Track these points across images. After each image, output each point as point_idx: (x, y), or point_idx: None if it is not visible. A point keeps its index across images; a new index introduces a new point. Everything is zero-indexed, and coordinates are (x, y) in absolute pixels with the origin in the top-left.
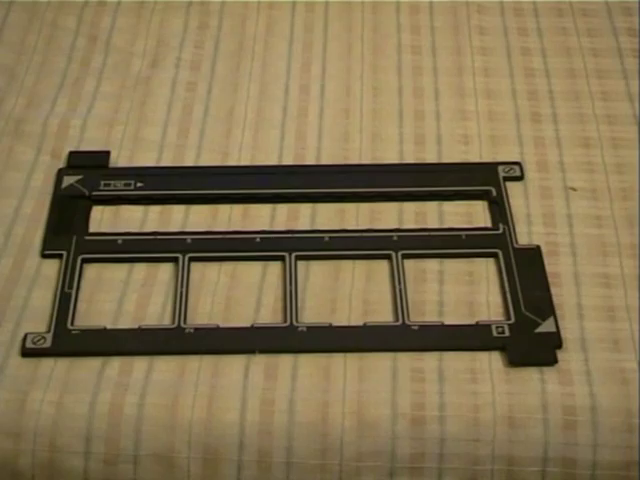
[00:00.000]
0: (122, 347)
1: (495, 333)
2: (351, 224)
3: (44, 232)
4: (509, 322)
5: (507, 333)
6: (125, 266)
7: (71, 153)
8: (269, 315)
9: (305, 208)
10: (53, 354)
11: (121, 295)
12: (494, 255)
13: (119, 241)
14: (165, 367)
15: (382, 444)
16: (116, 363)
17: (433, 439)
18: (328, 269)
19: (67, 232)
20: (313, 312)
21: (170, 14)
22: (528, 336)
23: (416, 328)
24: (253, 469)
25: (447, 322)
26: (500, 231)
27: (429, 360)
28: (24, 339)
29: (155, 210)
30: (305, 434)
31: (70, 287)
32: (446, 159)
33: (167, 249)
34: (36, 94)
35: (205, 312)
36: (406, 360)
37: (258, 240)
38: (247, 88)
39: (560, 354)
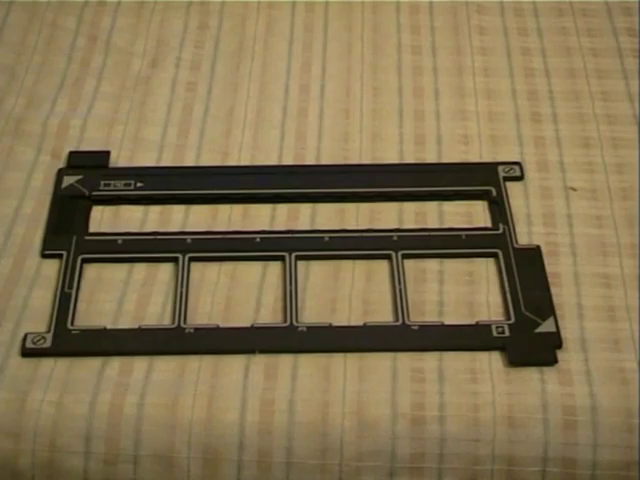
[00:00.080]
0: (122, 347)
1: (495, 333)
2: (351, 224)
3: (44, 232)
4: (509, 322)
5: (507, 333)
6: (125, 266)
7: (71, 153)
8: (269, 315)
9: (305, 208)
10: (53, 354)
11: (121, 295)
12: (494, 255)
13: (119, 241)
14: (165, 367)
15: (382, 444)
16: (116, 363)
17: (433, 439)
18: (328, 269)
19: (67, 232)
20: (313, 312)
21: (170, 14)
22: (528, 336)
23: (416, 328)
24: (253, 469)
25: (447, 322)
26: (500, 231)
27: (429, 360)
28: (24, 339)
29: (155, 210)
30: (305, 434)
31: (70, 287)
32: (446, 159)
33: (167, 249)
34: (36, 94)
35: (205, 312)
36: (406, 360)
37: (258, 240)
38: (247, 88)
39: (560, 354)
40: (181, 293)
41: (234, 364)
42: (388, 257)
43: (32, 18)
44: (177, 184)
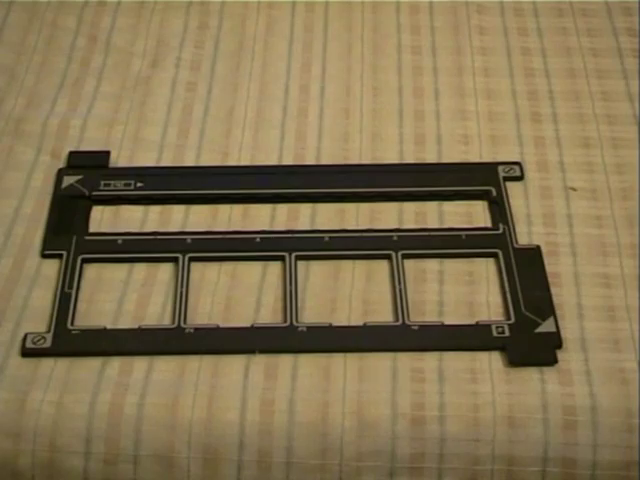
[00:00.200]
0: (122, 347)
1: (495, 333)
2: (351, 224)
3: (44, 232)
4: (509, 322)
5: (507, 333)
6: (125, 266)
7: (71, 153)
8: (269, 315)
9: (305, 208)
10: (53, 354)
11: (121, 295)
12: (494, 255)
13: (119, 241)
14: (165, 367)
15: (382, 444)
16: (116, 363)
17: (433, 439)
18: (328, 269)
19: (67, 232)
20: (313, 312)
21: (170, 14)
22: (528, 336)
23: (416, 328)
24: (253, 469)
25: (447, 322)
26: (500, 231)
27: (429, 360)
28: (24, 339)
29: (155, 210)
30: (305, 434)
31: (70, 287)
32: (446, 159)
33: (167, 249)
34: (36, 94)
35: (205, 312)
36: (406, 360)
37: (258, 240)
38: (247, 88)
39: (560, 354)
40: (181, 293)
41: (234, 364)
42: (388, 257)
43: (32, 18)
44: (177, 184)
